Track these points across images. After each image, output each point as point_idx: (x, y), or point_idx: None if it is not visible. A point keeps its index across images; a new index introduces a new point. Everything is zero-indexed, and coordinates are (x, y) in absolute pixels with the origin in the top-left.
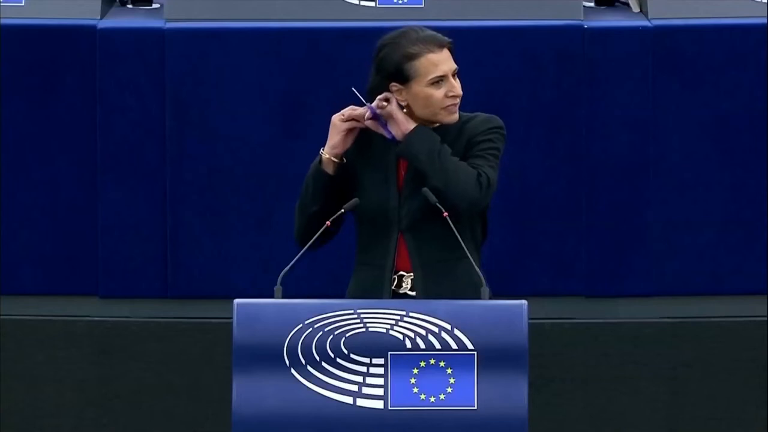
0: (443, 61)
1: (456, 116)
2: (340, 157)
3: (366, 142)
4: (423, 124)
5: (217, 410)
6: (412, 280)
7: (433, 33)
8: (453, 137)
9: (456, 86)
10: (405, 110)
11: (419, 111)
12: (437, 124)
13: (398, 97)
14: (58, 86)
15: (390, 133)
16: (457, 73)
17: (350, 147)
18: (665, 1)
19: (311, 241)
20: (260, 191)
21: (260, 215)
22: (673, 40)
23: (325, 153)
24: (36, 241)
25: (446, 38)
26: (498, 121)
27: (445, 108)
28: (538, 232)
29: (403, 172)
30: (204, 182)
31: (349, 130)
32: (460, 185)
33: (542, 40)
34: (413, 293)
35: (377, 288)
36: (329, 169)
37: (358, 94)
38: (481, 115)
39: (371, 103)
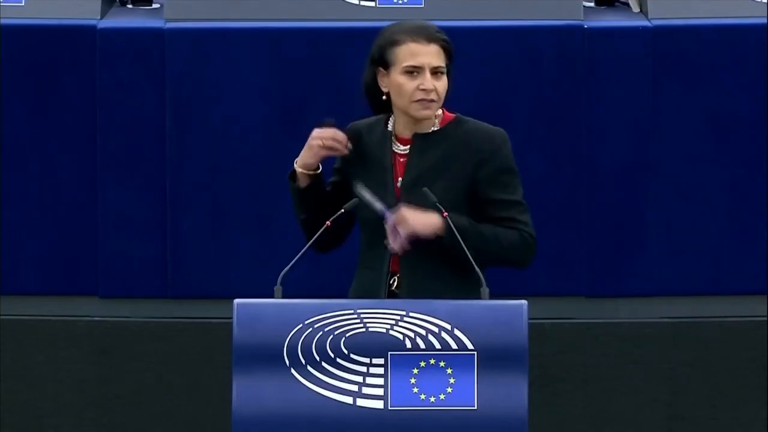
0: (424, 54)
1: (428, 113)
2: (311, 168)
3: (363, 146)
4: (404, 117)
5: (217, 410)
6: (398, 279)
7: (428, 26)
8: (454, 145)
9: (428, 81)
10: (385, 97)
11: (395, 100)
12: (433, 127)
13: (382, 83)
14: (58, 86)
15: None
16: (442, 73)
17: (348, 154)
18: (665, 1)
19: (311, 242)
20: (260, 191)
21: (260, 215)
22: (673, 40)
23: (297, 166)
24: (36, 241)
25: (441, 35)
26: (505, 136)
27: (416, 101)
28: (538, 232)
29: (399, 177)
30: (204, 182)
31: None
32: (521, 256)
33: (542, 40)
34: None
35: (375, 292)
36: (302, 183)
37: (378, 205)
38: (484, 128)
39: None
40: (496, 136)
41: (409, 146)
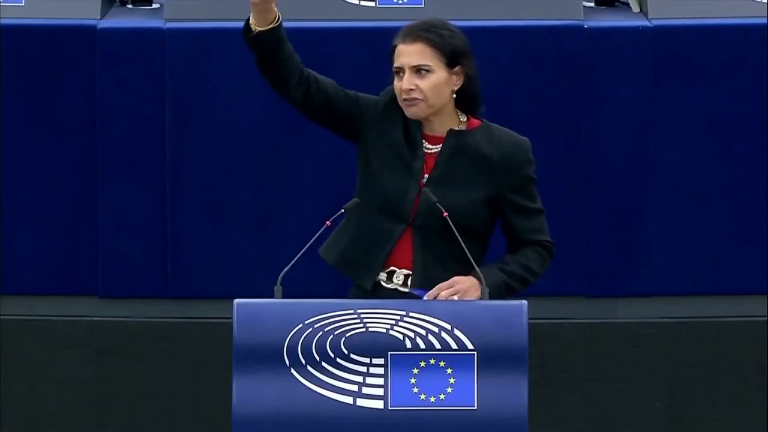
0: (405, 54)
1: (414, 111)
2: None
3: (391, 126)
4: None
5: (217, 410)
6: (405, 276)
7: (418, 24)
8: (485, 149)
9: (405, 81)
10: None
11: None
12: (460, 126)
13: None
14: (58, 86)
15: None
16: (426, 71)
17: (375, 116)
18: (665, 1)
19: (311, 241)
20: (260, 191)
21: (260, 215)
22: (673, 40)
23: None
24: (36, 241)
25: (426, 33)
26: (529, 146)
27: (402, 101)
28: None
29: (426, 173)
30: (204, 182)
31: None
32: (545, 269)
33: (542, 40)
34: (404, 289)
35: (363, 274)
36: (260, 25)
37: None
38: (513, 135)
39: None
40: (526, 145)
41: (432, 145)
